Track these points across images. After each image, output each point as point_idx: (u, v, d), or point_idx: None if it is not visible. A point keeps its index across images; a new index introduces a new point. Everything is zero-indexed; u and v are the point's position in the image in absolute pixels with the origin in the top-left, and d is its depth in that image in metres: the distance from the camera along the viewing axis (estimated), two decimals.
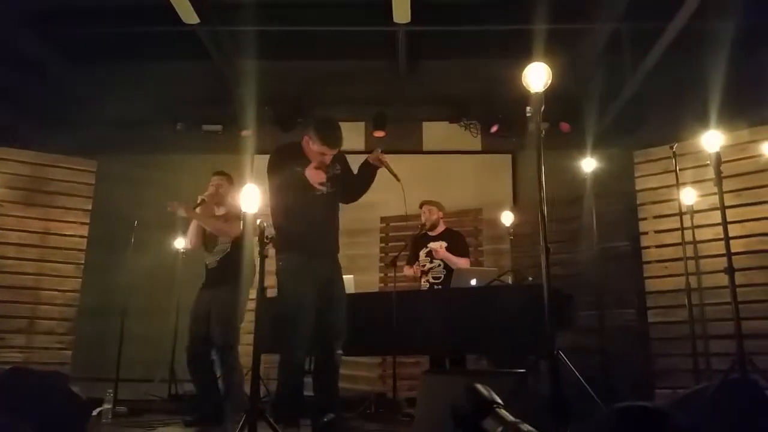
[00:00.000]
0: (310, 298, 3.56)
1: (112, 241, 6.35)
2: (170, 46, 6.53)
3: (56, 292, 5.92)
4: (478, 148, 7.50)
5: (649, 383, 5.43)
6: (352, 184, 3.96)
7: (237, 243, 4.37)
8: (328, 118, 3.85)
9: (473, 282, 4.72)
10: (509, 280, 5.42)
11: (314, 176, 3.55)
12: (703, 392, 2.43)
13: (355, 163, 7.56)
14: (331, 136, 3.69)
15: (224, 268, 4.40)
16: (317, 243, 3.71)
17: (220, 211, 4.57)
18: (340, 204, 3.99)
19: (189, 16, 5.77)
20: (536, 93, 2.84)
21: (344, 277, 5.36)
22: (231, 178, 4.71)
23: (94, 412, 4.51)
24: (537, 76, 2.83)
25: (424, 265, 5.35)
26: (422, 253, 5.42)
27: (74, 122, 6.65)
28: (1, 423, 2.33)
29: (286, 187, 3.64)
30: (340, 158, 3.90)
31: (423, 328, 4.40)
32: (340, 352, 3.69)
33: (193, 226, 4.61)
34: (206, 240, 4.56)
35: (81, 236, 6.11)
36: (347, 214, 7.26)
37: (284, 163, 3.68)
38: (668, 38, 5.58)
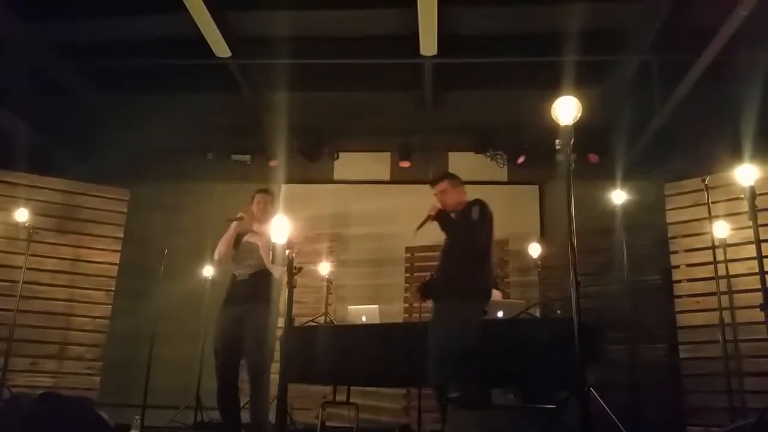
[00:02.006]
0: None
1: (142, 268, 6.44)
2: (202, 77, 6.69)
3: (86, 319, 5.99)
4: (505, 179, 7.48)
5: (682, 420, 5.28)
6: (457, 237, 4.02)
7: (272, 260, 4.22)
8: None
9: (500, 314, 4.66)
10: (537, 313, 5.35)
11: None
12: (740, 431, 2.36)
13: (380, 193, 7.64)
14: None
15: (258, 283, 4.19)
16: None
17: (259, 228, 4.40)
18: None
19: (221, 49, 5.92)
20: (566, 126, 2.84)
21: (368, 307, 5.40)
22: (273, 198, 4.59)
23: None
24: (566, 109, 2.83)
25: None
26: None
27: (107, 151, 6.81)
28: None
29: None
30: (466, 209, 4.03)
31: None
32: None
33: (225, 235, 4.37)
34: (239, 253, 4.36)
35: (112, 263, 6.19)
36: (372, 245, 7.42)
37: None
38: (699, 69, 5.55)
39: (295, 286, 2.94)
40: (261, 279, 4.21)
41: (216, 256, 4.42)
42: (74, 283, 6.01)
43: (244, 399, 4.18)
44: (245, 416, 4.17)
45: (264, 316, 4.11)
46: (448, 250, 4.01)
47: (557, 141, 2.87)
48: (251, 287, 4.19)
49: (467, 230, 3.91)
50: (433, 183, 4.18)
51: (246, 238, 4.41)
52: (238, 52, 6.06)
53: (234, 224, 4.33)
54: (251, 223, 4.40)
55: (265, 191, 4.55)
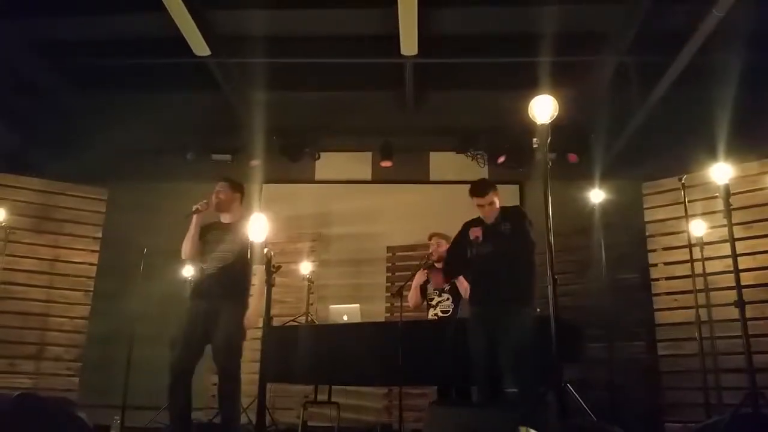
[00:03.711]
0: None
1: (121, 268, 6.38)
2: (181, 76, 6.64)
3: (65, 319, 5.93)
4: (485, 177, 7.52)
5: (659, 417, 5.35)
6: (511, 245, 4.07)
7: (241, 253, 4.07)
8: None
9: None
10: None
11: (473, 232, 4.07)
12: (715, 426, 2.39)
13: (362, 193, 7.65)
14: (472, 185, 4.20)
15: (227, 277, 4.05)
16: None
17: (226, 219, 4.31)
18: None
19: (200, 48, 5.88)
20: (542, 124, 2.87)
21: (350, 306, 5.40)
22: (235, 185, 4.39)
23: None
24: (543, 108, 2.86)
25: (431, 299, 5.30)
26: (430, 287, 5.37)
27: (85, 150, 6.73)
28: None
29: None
30: (513, 217, 4.13)
31: (429, 358, 4.37)
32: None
33: (188, 232, 4.18)
34: (205, 246, 4.20)
35: (90, 263, 6.13)
36: (353, 245, 7.42)
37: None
38: (676, 70, 5.63)
39: (273, 285, 2.94)
40: (231, 272, 4.07)
41: (183, 256, 4.24)
42: (52, 283, 5.95)
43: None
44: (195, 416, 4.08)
45: (236, 311, 4.00)
46: (497, 256, 4.04)
47: (535, 140, 2.90)
48: (220, 281, 4.05)
49: (525, 238, 4.04)
50: (480, 193, 4.16)
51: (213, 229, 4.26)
52: (217, 51, 6.03)
53: (194, 218, 4.17)
54: (214, 213, 4.28)
55: (225, 179, 4.40)
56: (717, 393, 4.86)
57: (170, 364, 3.90)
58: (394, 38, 5.72)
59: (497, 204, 4.16)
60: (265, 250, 2.96)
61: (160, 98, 6.92)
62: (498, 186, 4.23)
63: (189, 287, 6.15)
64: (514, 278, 3.94)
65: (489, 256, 4.04)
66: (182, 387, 3.88)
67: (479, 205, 4.15)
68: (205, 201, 4.21)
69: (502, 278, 3.94)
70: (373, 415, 6.17)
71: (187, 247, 4.18)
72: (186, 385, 3.90)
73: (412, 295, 5.22)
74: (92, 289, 6.09)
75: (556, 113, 2.87)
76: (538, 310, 5.16)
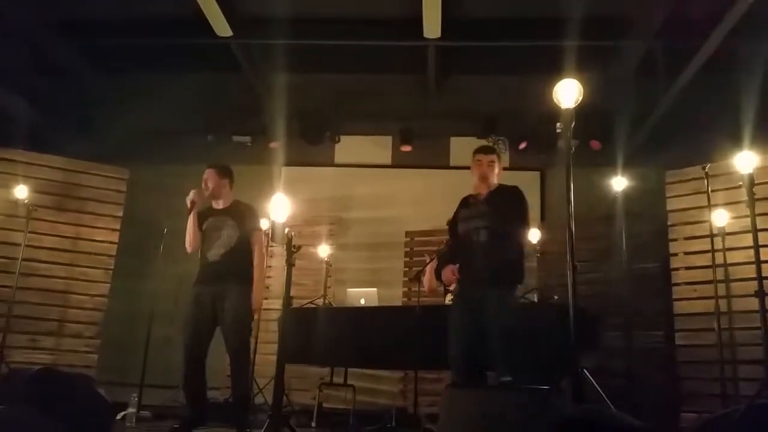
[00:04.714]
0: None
1: (141, 248, 6.45)
2: (203, 58, 6.66)
3: (85, 296, 6.00)
4: (506, 164, 7.45)
5: (675, 406, 5.32)
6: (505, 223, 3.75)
7: (242, 236, 4.20)
8: None
9: None
10: (534, 298, 5.37)
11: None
12: (729, 417, 2.36)
13: (381, 177, 7.63)
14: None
15: (231, 261, 4.14)
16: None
17: (218, 204, 4.37)
18: None
19: (223, 29, 5.88)
20: (567, 109, 2.83)
21: (367, 290, 5.40)
22: (222, 170, 4.41)
23: (119, 416, 4.56)
24: (568, 92, 2.82)
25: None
26: None
27: (107, 130, 6.79)
28: (32, 421, 2.37)
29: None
30: (510, 195, 3.83)
31: (445, 342, 4.37)
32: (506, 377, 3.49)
33: (188, 226, 4.29)
34: (206, 233, 4.28)
35: (111, 242, 6.19)
36: (371, 229, 7.41)
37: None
38: (703, 57, 5.53)
39: (293, 265, 2.94)
40: (235, 255, 4.16)
41: (189, 249, 4.33)
42: (73, 261, 6.01)
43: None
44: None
45: (242, 293, 4.08)
46: (494, 232, 3.72)
47: (558, 124, 2.87)
48: (225, 266, 4.14)
49: (522, 219, 3.79)
50: (485, 151, 4.01)
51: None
52: (239, 32, 6.02)
53: (192, 211, 4.26)
54: (208, 200, 4.36)
55: (211, 166, 4.45)
56: (734, 384, 4.82)
57: (183, 349, 4.06)
58: (417, 21, 5.67)
59: (496, 170, 3.90)
60: (286, 230, 2.96)
61: (181, 79, 6.94)
62: (519, 173, 4.15)
63: None
64: (506, 259, 3.69)
65: (479, 233, 3.74)
66: (196, 370, 4.05)
67: (478, 162, 3.91)
68: (195, 191, 4.28)
69: (493, 258, 3.65)
70: (388, 399, 6.19)
71: (189, 239, 4.30)
72: (200, 368, 4.06)
73: (427, 279, 5.19)
74: (112, 267, 6.15)
75: (581, 98, 2.83)
76: (556, 297, 5.16)
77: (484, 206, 3.77)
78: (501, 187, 3.87)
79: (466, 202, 4.00)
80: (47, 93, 6.73)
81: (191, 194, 4.25)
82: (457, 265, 3.78)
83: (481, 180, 3.82)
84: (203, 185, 4.34)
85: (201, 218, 4.32)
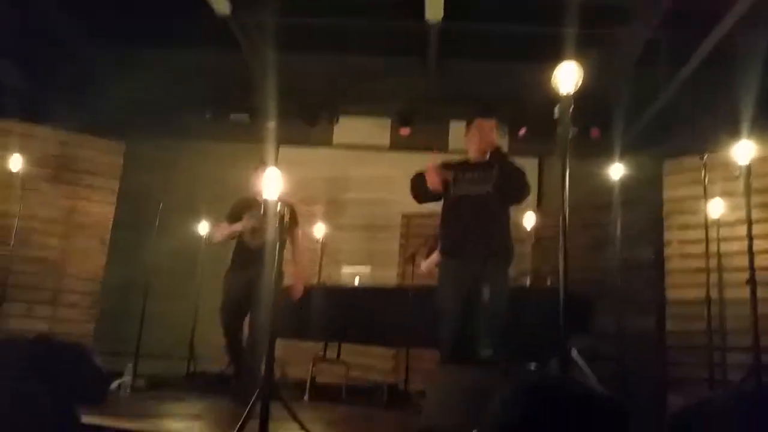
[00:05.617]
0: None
1: (137, 221, 6.44)
2: (202, 34, 6.59)
3: (81, 268, 6.02)
4: (505, 150, 7.44)
5: (663, 389, 5.38)
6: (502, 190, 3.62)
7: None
8: None
9: None
10: (527, 282, 5.40)
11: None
12: (716, 400, 2.41)
13: (379, 159, 7.62)
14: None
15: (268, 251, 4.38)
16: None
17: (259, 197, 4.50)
18: None
19: (221, 6, 5.84)
20: (566, 93, 2.82)
21: (362, 267, 5.45)
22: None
23: (114, 384, 4.60)
24: (567, 76, 2.80)
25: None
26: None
27: (104, 103, 6.75)
28: (24, 388, 2.40)
29: None
30: (504, 161, 3.70)
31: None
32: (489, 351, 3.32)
33: (229, 229, 4.64)
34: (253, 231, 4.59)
35: (107, 215, 6.20)
36: (368, 210, 7.42)
37: None
38: (706, 49, 5.53)
39: (285, 240, 2.94)
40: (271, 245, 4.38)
41: (214, 240, 4.79)
42: (69, 232, 6.03)
43: None
44: None
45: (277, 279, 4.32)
46: (490, 198, 3.59)
47: (556, 109, 2.85)
48: (263, 255, 4.37)
49: (520, 186, 3.63)
50: (488, 114, 3.87)
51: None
52: (238, 9, 5.98)
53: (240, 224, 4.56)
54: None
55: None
56: (723, 370, 4.88)
57: (223, 327, 4.50)
58: (419, 2, 5.64)
59: (495, 139, 3.78)
60: (279, 206, 2.95)
61: (179, 55, 6.90)
62: (517, 159, 4.09)
63: (205, 245, 6.27)
64: (499, 230, 3.58)
65: (472, 200, 3.59)
66: (235, 342, 4.52)
67: (480, 125, 3.79)
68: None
69: (486, 228, 3.52)
70: (380, 375, 6.25)
71: (221, 237, 4.70)
72: (238, 340, 4.54)
73: (426, 264, 5.15)
74: (108, 239, 6.17)
75: (581, 83, 2.82)
76: (549, 282, 5.19)
77: (491, 170, 3.60)
78: (497, 153, 3.73)
79: (463, 166, 3.81)
80: (43, 64, 6.69)
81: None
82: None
83: (486, 143, 3.69)
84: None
85: (245, 207, 4.67)
